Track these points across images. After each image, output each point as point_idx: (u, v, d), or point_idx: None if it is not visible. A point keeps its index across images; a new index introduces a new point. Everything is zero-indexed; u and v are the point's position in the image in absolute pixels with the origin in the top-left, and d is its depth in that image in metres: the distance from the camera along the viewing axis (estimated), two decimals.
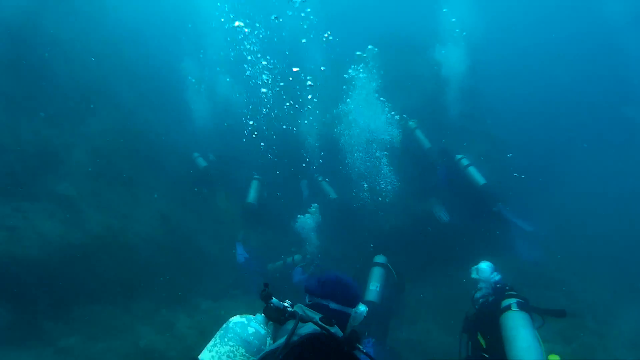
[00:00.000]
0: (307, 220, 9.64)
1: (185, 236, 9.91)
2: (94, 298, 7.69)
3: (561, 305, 4.63)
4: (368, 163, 10.36)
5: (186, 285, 9.05)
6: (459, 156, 10.08)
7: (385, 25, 15.88)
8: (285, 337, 2.00)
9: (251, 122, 11.48)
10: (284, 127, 11.73)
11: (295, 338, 1.99)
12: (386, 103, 10.90)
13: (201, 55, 14.09)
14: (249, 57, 10.81)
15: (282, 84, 11.51)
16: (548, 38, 17.59)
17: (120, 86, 11.19)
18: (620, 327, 7.66)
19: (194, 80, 13.44)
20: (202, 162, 11.25)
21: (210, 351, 2.16)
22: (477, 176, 9.56)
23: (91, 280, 7.80)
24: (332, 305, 2.49)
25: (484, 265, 5.28)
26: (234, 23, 11.11)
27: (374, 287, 7.35)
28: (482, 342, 4.59)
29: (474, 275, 5.30)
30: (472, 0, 13.47)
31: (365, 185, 10.26)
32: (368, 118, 10.66)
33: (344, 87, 11.22)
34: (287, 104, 11.57)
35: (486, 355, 4.46)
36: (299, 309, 2.42)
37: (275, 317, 2.30)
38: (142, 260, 8.63)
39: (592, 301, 8.48)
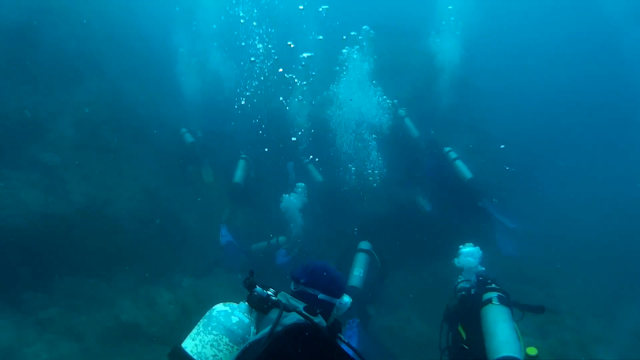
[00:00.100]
0: (293, 200, 9.63)
1: (170, 212, 9.84)
2: (75, 270, 7.65)
3: (539, 301, 4.72)
4: (358, 144, 10.33)
5: (169, 261, 9.03)
6: (447, 149, 10.08)
7: (380, 11, 15.72)
8: (269, 327, 2.01)
9: (243, 99, 11.36)
10: (281, 98, 11.59)
11: (279, 328, 2.00)
12: (378, 87, 10.85)
13: (194, 28, 13.83)
14: (242, 21, 10.64)
15: (276, 57, 11.39)
16: (545, 33, 17.54)
17: (108, 56, 10.94)
18: (596, 324, 7.87)
19: (183, 52, 13.20)
20: (189, 138, 11.11)
21: (193, 340, 2.14)
22: (464, 170, 9.58)
23: (73, 251, 7.74)
24: (321, 295, 2.50)
25: (469, 250, 5.30)
26: None
27: (357, 272, 7.40)
28: (463, 333, 4.66)
29: (458, 262, 5.32)
30: None
31: (353, 169, 10.25)
32: (359, 100, 10.60)
33: (337, 68, 11.12)
34: (279, 69, 11.37)
35: (466, 347, 4.54)
36: (283, 297, 2.43)
37: (259, 306, 2.30)
38: (125, 234, 8.55)
39: (570, 298, 8.67)
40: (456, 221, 9.44)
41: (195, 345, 2.10)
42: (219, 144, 11.72)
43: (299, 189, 9.73)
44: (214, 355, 2.08)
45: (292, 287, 2.58)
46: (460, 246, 5.40)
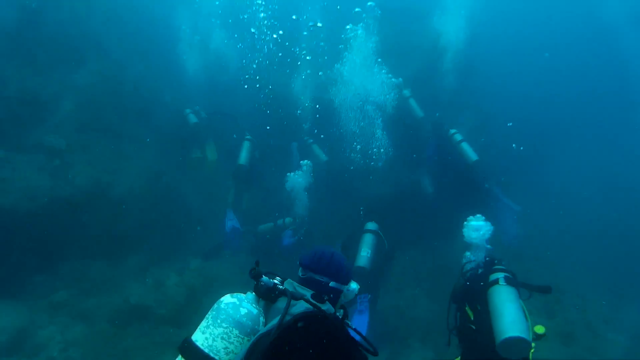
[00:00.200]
0: (298, 179, 9.61)
1: (175, 193, 9.86)
2: (83, 253, 7.71)
3: (544, 281, 4.71)
4: (362, 123, 10.26)
5: (175, 243, 9.09)
6: (452, 131, 10.00)
7: None
8: (278, 318, 2.01)
9: (247, 75, 11.25)
10: (288, 71, 11.46)
11: (288, 318, 2.00)
12: (383, 65, 10.71)
13: (196, 5, 13.61)
14: None
15: (280, 32, 11.25)
16: (553, 12, 17.13)
17: (110, 37, 10.78)
18: (602, 303, 7.89)
19: (186, 30, 13.01)
20: (192, 119, 11.04)
21: (203, 333, 2.15)
22: (469, 152, 9.52)
23: (80, 235, 7.80)
24: (332, 284, 2.50)
25: (475, 224, 5.28)
26: None
27: (365, 253, 7.43)
28: (470, 314, 4.69)
29: (467, 235, 5.30)
30: None
31: (358, 147, 10.18)
32: (364, 78, 10.49)
33: (341, 46, 10.98)
34: (286, 43, 11.22)
35: (473, 327, 4.56)
36: (289, 285, 2.43)
37: (266, 296, 2.30)
38: (131, 216, 8.59)
39: (575, 277, 8.68)
40: (461, 203, 9.43)
41: (206, 338, 2.12)
42: (223, 125, 11.64)
43: (304, 167, 9.70)
44: (224, 348, 2.10)
45: (299, 274, 2.58)
46: (470, 217, 5.37)
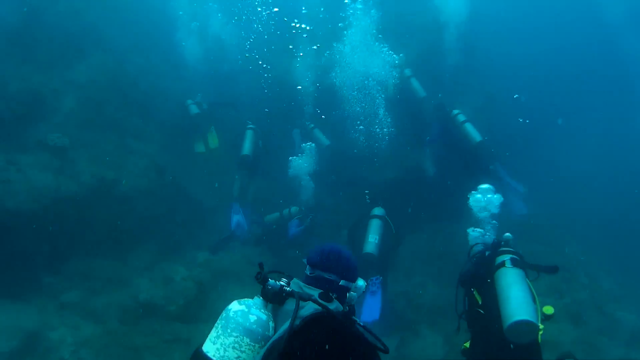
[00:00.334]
0: (302, 163, 9.59)
1: (181, 187, 9.85)
2: (90, 251, 7.74)
3: (551, 261, 4.67)
4: (364, 104, 10.18)
5: (182, 237, 9.10)
6: (455, 111, 9.88)
7: None
8: (288, 322, 2.01)
9: (247, 54, 11.14)
10: (291, 46, 11.36)
11: (297, 322, 2.00)
12: (384, 43, 10.59)
13: None
14: None
15: (285, 19, 11.13)
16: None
17: (109, 30, 10.69)
18: (610, 281, 7.85)
19: (184, 16, 12.90)
20: (194, 110, 11.00)
21: (214, 343, 2.14)
22: (473, 133, 9.42)
23: (87, 233, 7.82)
24: (342, 282, 2.49)
25: (478, 197, 5.23)
26: None
27: (372, 239, 7.43)
28: (478, 298, 4.65)
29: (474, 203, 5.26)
30: None
31: (362, 127, 10.10)
32: (365, 57, 10.38)
33: (340, 24, 10.86)
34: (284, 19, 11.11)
35: (482, 312, 4.53)
36: (296, 286, 2.41)
37: (274, 299, 2.29)
38: (137, 212, 8.61)
39: (583, 257, 8.61)
40: (466, 184, 9.36)
41: (217, 349, 2.11)
42: (224, 114, 11.59)
43: (307, 150, 9.65)
44: (237, 357, 2.08)
45: (307, 272, 2.57)
46: (480, 186, 5.32)
